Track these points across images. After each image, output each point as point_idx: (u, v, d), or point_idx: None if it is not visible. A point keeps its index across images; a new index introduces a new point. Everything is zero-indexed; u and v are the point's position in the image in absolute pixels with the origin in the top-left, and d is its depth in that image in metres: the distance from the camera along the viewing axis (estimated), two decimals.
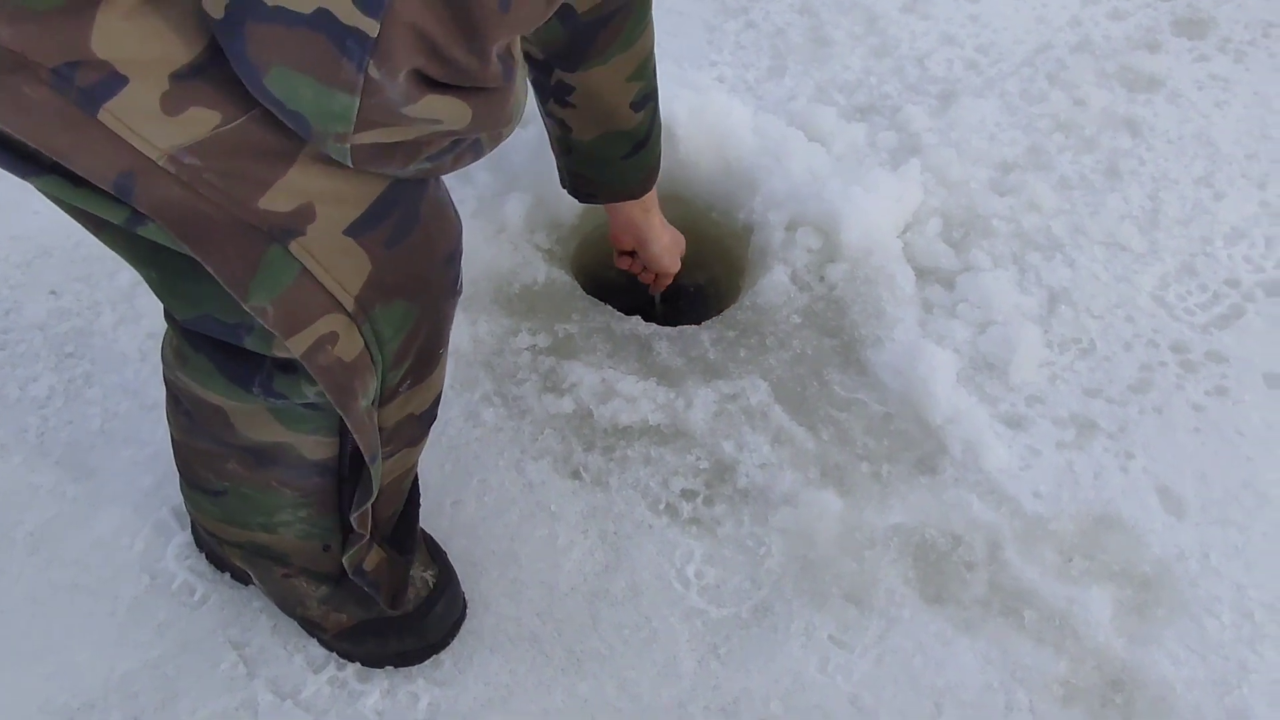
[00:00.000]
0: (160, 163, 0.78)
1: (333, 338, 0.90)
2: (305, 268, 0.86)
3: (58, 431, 1.50)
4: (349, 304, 0.89)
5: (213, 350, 0.99)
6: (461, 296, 1.62)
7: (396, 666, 1.31)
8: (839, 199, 1.68)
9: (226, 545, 1.28)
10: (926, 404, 1.54)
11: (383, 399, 1.02)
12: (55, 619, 1.34)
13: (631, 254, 1.62)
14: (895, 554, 1.43)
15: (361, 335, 0.92)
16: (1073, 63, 2.03)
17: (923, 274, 1.71)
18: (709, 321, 1.67)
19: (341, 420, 1.01)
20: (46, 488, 1.44)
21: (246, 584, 1.37)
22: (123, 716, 1.27)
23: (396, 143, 0.83)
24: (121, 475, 1.46)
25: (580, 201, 1.48)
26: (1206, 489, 1.50)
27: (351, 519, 1.12)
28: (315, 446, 1.08)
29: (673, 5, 2.13)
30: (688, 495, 1.48)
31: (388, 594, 1.25)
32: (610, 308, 1.67)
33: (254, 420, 1.05)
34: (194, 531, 1.39)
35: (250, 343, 0.93)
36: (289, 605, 1.30)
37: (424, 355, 1.02)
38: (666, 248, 1.58)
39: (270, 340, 0.92)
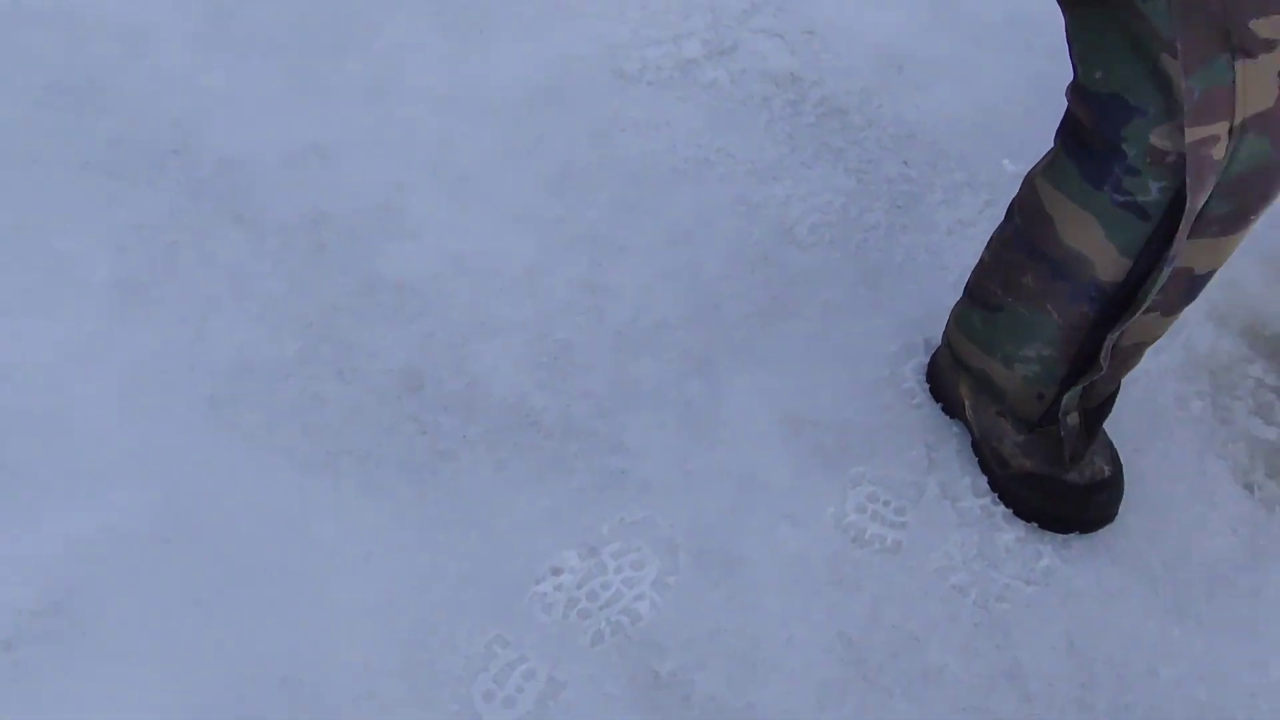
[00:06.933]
0: None
1: (1215, 140, 1.18)
2: (1234, 81, 1.14)
3: (871, 250, 1.94)
4: (1236, 120, 1.16)
5: (1082, 154, 1.31)
6: (1215, 317, 1.82)
7: (1040, 526, 1.59)
8: None
9: (963, 371, 1.62)
10: None
11: (1192, 230, 1.26)
12: (820, 360, 1.78)
13: None
14: None
15: (1228, 147, 1.18)
16: None
17: None
18: None
19: (1143, 245, 1.29)
20: (849, 281, 1.89)
21: (953, 417, 1.71)
22: (833, 440, 1.68)
23: None
24: (901, 299, 1.86)
25: None
26: None
27: (1108, 339, 1.39)
28: (1110, 265, 1.34)
29: None
30: None
31: (1070, 449, 1.53)
32: None
33: (1079, 226, 1.34)
34: (931, 364, 1.75)
35: (1130, 129, 1.23)
36: (989, 437, 1.61)
37: (1244, 209, 1.26)
38: None
39: (1149, 131, 1.21)
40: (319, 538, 1.54)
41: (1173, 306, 1.42)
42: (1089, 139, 1.31)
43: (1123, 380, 1.58)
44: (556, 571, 1.53)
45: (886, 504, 1.62)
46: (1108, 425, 1.64)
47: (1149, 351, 1.76)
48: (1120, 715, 1.44)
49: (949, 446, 1.68)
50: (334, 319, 1.79)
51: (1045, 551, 1.57)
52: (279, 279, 1.83)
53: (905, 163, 2.10)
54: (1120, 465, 1.60)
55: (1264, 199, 1.29)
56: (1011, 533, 1.59)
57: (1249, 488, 1.65)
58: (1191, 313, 1.82)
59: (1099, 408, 1.56)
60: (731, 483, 1.63)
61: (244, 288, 1.82)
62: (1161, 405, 1.73)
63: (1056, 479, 1.56)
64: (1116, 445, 1.65)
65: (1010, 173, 2.07)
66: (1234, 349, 1.80)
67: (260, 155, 2.02)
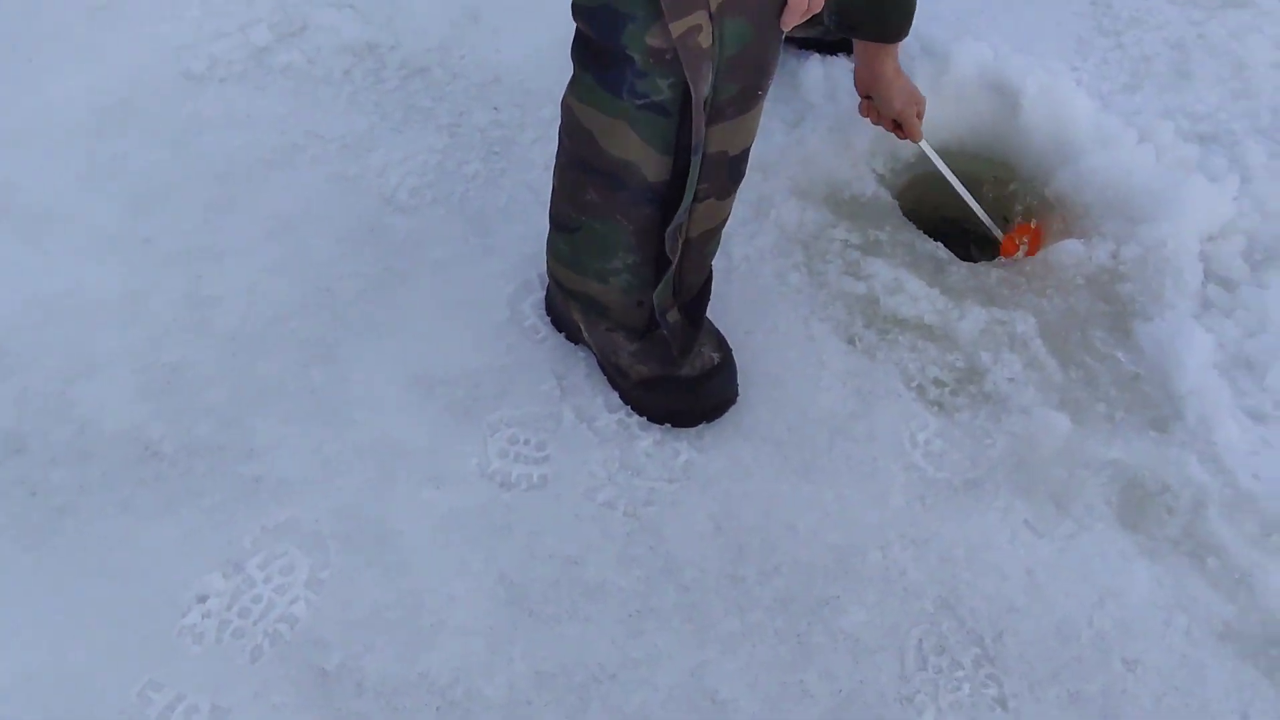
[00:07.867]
0: None
1: (697, 29, 1.25)
2: None
3: (474, 200, 1.95)
4: (713, 6, 1.24)
5: (595, 67, 1.36)
6: (797, 193, 1.94)
7: (672, 425, 1.65)
8: (1152, 193, 1.87)
9: (570, 298, 1.66)
10: (1176, 375, 1.70)
11: (711, 116, 1.34)
12: (441, 318, 1.77)
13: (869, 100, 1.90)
14: (1106, 480, 1.62)
15: (713, 34, 1.26)
16: None
17: (1211, 278, 1.86)
18: (1001, 261, 1.90)
19: (675, 140, 1.36)
20: (458, 235, 1.89)
21: (576, 343, 1.75)
22: (465, 393, 1.68)
23: None
24: (511, 241, 1.89)
25: (839, 34, 1.83)
26: None
27: (667, 232, 1.45)
28: (654, 165, 1.40)
29: (1049, 14, 2.35)
30: (938, 384, 1.73)
31: (678, 344, 1.59)
32: (921, 231, 1.94)
33: (615, 135, 1.39)
34: (546, 297, 1.78)
35: (626, 35, 1.28)
36: (606, 353, 1.66)
37: (748, 87, 1.34)
38: (901, 89, 1.85)
39: (644, 34, 1.27)
40: None
41: (725, 190, 1.50)
42: (597, 51, 1.36)
43: (714, 268, 1.66)
44: (202, 599, 1.47)
45: (527, 442, 1.64)
46: (718, 315, 1.72)
47: (743, 237, 1.86)
48: (770, 577, 1.53)
49: (578, 373, 1.72)
50: None
51: (681, 448, 1.64)
52: None
53: (495, 108, 2.11)
54: (729, 350, 1.68)
55: (763, 74, 1.37)
56: (648, 439, 1.65)
57: (851, 340, 1.77)
58: (776, 191, 1.94)
59: (695, 300, 1.64)
60: (370, 459, 1.61)
61: None
62: (764, 285, 1.83)
63: (672, 377, 1.63)
64: (728, 331, 1.73)
65: None
66: (819, 218, 1.92)
67: None
